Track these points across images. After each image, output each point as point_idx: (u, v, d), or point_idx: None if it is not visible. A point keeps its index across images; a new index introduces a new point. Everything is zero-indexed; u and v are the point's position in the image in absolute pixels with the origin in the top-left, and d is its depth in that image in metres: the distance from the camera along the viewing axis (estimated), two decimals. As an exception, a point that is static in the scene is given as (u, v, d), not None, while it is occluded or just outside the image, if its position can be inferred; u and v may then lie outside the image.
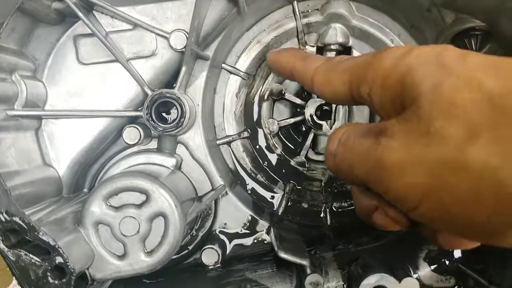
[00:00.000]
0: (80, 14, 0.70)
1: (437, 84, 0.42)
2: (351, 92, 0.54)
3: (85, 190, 0.84)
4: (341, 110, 0.89)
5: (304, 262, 0.73)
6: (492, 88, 0.39)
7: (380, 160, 0.46)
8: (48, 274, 0.63)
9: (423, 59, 0.44)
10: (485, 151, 0.39)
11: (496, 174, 0.39)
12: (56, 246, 0.63)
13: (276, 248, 0.75)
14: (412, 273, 0.83)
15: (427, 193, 0.43)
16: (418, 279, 0.83)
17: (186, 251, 0.85)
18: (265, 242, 0.86)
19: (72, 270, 0.62)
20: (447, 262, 0.83)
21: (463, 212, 0.42)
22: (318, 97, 0.91)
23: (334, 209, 0.92)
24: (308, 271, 0.78)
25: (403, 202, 0.46)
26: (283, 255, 0.73)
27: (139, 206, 0.68)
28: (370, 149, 0.48)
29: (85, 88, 0.77)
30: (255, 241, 0.86)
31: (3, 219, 0.63)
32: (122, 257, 0.68)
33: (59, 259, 0.63)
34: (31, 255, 0.63)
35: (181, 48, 0.76)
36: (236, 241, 0.86)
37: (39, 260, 0.63)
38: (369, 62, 0.50)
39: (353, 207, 0.89)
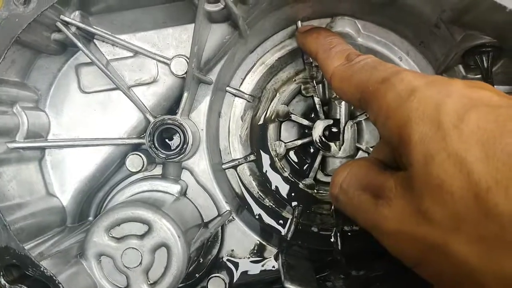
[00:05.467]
0: (79, 44, 0.70)
1: (428, 158, 0.42)
2: (361, 107, 0.57)
3: (90, 218, 0.83)
4: (350, 131, 0.87)
5: (312, 293, 0.71)
6: (480, 177, 0.39)
7: (376, 225, 0.49)
8: (49, 310, 0.62)
9: (423, 110, 0.44)
10: (465, 247, 0.40)
11: (473, 273, 0.40)
12: (57, 282, 0.62)
13: (282, 278, 0.73)
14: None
15: (419, 263, 0.47)
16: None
17: (194, 279, 0.83)
18: (273, 269, 0.83)
19: (73, 306, 0.62)
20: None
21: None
22: (326, 117, 0.89)
23: (346, 232, 0.89)
24: (316, 302, 0.75)
25: (401, 260, 0.49)
26: (289, 285, 0.71)
27: (141, 237, 0.67)
28: (368, 210, 0.50)
29: (88, 117, 0.78)
30: (264, 268, 0.84)
31: (4, 254, 0.62)
32: (125, 289, 0.67)
33: (60, 295, 0.62)
34: (31, 291, 0.62)
35: (182, 74, 0.76)
36: (243, 269, 0.84)
37: (39, 296, 0.62)
38: (378, 87, 0.51)
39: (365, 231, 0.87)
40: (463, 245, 0.40)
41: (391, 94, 0.48)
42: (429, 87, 0.46)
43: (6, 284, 0.63)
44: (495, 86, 0.74)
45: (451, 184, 0.40)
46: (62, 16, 0.67)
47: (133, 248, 0.67)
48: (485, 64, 0.75)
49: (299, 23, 0.86)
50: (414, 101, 0.45)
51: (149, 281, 0.67)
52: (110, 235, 0.67)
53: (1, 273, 0.63)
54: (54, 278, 0.62)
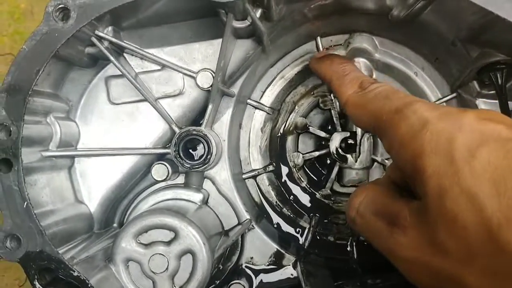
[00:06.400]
0: (111, 58, 0.73)
1: (442, 191, 0.43)
2: (375, 134, 0.57)
3: (115, 225, 0.86)
4: (366, 143, 0.89)
5: (332, 300, 0.73)
6: (492, 214, 0.40)
7: (391, 252, 0.50)
8: (81, 312, 0.64)
9: (436, 143, 0.45)
10: (478, 280, 0.41)
11: None
12: (89, 285, 0.64)
13: (303, 285, 0.75)
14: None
15: None
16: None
17: (213, 285, 0.85)
18: (292, 276, 0.85)
19: (103, 309, 0.64)
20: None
21: None
22: (343, 130, 0.92)
23: (362, 242, 0.91)
24: (336, 308, 0.77)
25: (416, 286, 0.50)
26: (309, 292, 0.73)
27: (168, 243, 0.69)
28: (383, 236, 0.51)
29: (116, 127, 0.80)
30: (282, 275, 0.85)
31: (39, 259, 0.65)
32: (151, 294, 0.69)
33: (91, 298, 0.64)
34: (64, 294, 0.65)
35: (208, 87, 0.78)
36: (262, 276, 0.86)
37: (72, 299, 0.65)
38: (391, 117, 0.52)
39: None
40: (476, 277, 0.41)
41: (405, 125, 0.49)
42: (441, 120, 0.47)
43: (41, 287, 0.65)
44: (509, 102, 0.77)
45: (465, 219, 0.41)
46: (96, 31, 0.70)
47: (160, 254, 0.68)
48: (499, 81, 0.77)
49: (319, 39, 0.88)
50: (427, 133, 0.46)
51: (174, 286, 0.69)
52: (138, 241, 0.69)
53: (36, 277, 0.65)
54: (87, 281, 0.64)
